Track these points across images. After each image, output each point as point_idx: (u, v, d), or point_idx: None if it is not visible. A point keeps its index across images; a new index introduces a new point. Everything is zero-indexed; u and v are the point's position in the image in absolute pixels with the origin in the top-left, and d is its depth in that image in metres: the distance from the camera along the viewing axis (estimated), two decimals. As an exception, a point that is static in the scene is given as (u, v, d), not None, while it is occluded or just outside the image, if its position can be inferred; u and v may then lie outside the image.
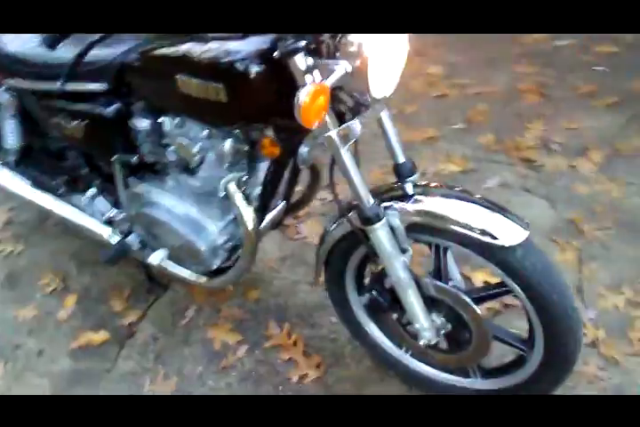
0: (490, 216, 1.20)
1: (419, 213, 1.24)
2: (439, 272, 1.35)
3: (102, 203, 1.75)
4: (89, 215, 1.79)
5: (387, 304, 1.38)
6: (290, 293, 1.97)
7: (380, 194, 1.31)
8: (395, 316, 1.46)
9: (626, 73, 2.73)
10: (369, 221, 1.23)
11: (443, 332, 1.40)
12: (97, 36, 1.40)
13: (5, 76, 1.62)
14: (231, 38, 1.17)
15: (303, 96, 0.99)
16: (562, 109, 2.54)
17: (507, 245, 1.16)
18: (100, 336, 1.88)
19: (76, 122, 1.53)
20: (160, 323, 1.91)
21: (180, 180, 1.50)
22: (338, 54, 1.06)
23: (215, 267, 1.60)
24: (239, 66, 1.13)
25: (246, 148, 1.38)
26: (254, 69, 1.13)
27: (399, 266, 1.28)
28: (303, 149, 1.29)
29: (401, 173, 1.32)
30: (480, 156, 2.39)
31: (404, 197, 1.28)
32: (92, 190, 1.74)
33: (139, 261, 1.82)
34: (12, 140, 1.81)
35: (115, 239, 1.72)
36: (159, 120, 1.42)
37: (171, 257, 1.65)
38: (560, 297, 1.22)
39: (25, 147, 1.85)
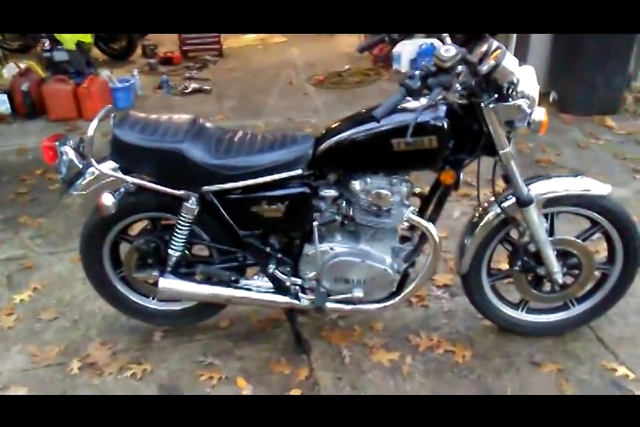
0: (583, 181, 2.08)
1: (544, 193, 2.05)
2: (552, 232, 2.16)
3: (280, 275, 2.17)
4: (268, 291, 2.19)
5: (534, 263, 2.14)
6: (399, 315, 2.55)
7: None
8: (530, 276, 2.20)
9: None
10: (527, 203, 2.01)
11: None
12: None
13: (204, 184, 2.01)
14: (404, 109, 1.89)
15: (542, 115, 1.79)
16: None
17: (604, 193, 2.04)
18: (295, 393, 2.18)
19: (277, 204, 2.01)
20: (330, 368, 2.30)
21: (369, 223, 2.04)
22: (510, 99, 1.84)
23: (394, 289, 2.16)
24: (445, 121, 1.86)
25: (416, 190, 2.07)
26: (450, 121, 1.88)
27: (543, 231, 2.07)
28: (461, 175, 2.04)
29: None
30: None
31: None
32: (271, 267, 2.15)
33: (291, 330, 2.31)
34: (181, 246, 2.13)
35: (306, 301, 2.16)
36: (352, 183, 2.00)
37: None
38: (631, 219, 2.12)
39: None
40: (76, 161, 2.07)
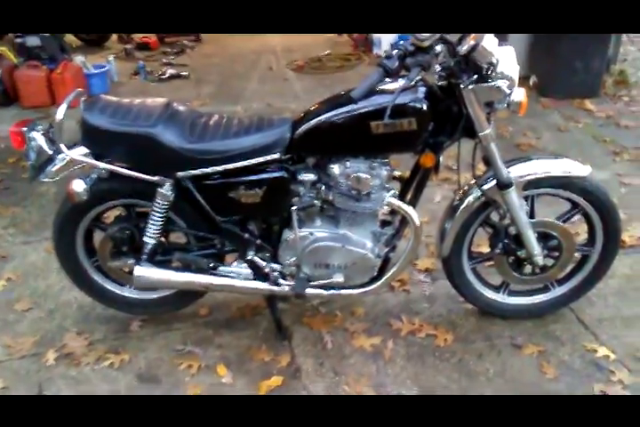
0: (563, 163, 2.06)
1: (524, 175, 2.03)
2: (533, 214, 2.15)
3: (260, 262, 2.13)
4: (247, 278, 2.15)
5: (515, 246, 2.12)
6: (381, 300, 2.54)
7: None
8: (511, 259, 2.19)
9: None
10: (507, 186, 1.98)
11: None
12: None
13: (178, 169, 1.96)
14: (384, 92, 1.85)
15: (521, 96, 1.76)
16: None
17: (584, 175, 2.03)
18: (277, 380, 2.16)
19: (255, 189, 1.97)
20: (311, 354, 2.28)
21: (348, 207, 2.00)
22: (490, 80, 1.81)
23: (375, 274, 2.14)
24: (424, 103, 1.83)
25: (396, 173, 2.03)
26: (429, 103, 1.84)
27: (523, 214, 2.05)
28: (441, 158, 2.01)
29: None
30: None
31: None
32: (250, 253, 2.11)
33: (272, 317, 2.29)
34: (157, 233, 2.08)
35: (286, 287, 2.12)
36: (331, 167, 1.96)
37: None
38: (611, 200, 2.11)
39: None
40: (45, 147, 2.01)
